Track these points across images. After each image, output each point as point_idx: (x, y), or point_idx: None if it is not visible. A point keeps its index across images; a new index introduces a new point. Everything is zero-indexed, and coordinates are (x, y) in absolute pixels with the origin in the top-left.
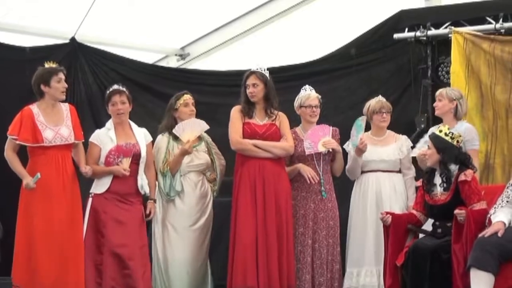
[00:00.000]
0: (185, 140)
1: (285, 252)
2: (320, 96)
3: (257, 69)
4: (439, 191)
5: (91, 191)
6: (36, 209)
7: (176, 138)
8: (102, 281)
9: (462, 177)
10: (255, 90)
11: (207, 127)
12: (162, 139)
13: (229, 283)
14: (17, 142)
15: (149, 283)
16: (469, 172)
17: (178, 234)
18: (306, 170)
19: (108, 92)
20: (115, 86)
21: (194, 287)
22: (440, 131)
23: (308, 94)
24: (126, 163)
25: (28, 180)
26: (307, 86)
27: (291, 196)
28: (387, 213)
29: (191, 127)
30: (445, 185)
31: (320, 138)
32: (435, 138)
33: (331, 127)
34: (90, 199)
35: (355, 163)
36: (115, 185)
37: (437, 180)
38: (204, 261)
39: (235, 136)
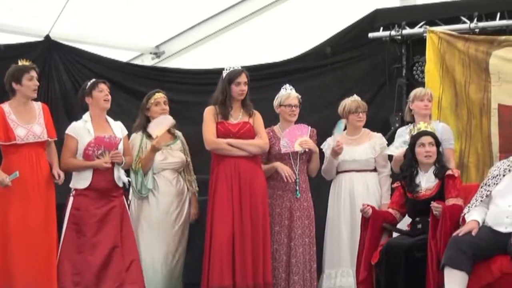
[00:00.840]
0: (155, 137)
1: (261, 250)
2: (300, 96)
3: (234, 67)
4: (423, 187)
5: (71, 187)
6: (11, 207)
7: (149, 136)
8: (82, 279)
9: (449, 172)
10: (245, 88)
11: (173, 121)
12: (136, 137)
13: (205, 282)
14: None
15: (136, 275)
16: (456, 170)
17: (153, 233)
18: (283, 169)
19: (91, 81)
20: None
21: (167, 286)
22: (426, 127)
23: (288, 94)
24: (107, 156)
25: (3, 177)
26: (287, 85)
27: (267, 194)
28: (368, 205)
29: (159, 124)
30: (436, 179)
31: (297, 138)
32: (434, 135)
33: (309, 128)
34: (71, 197)
35: (330, 164)
36: (97, 180)
37: (420, 178)
38: (178, 262)
39: (209, 136)
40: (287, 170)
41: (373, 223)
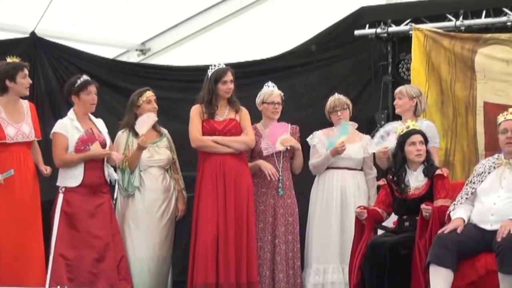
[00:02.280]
0: (140, 135)
1: (245, 248)
2: (282, 94)
3: (219, 66)
4: (412, 187)
5: (60, 185)
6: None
7: (136, 134)
8: (77, 275)
9: (439, 171)
10: (232, 86)
11: (155, 118)
12: (122, 135)
13: (190, 279)
14: None
15: (126, 270)
16: (445, 169)
17: (140, 229)
18: (267, 167)
19: (81, 81)
20: (86, 77)
21: (154, 282)
22: (414, 125)
23: (271, 91)
24: (96, 146)
25: None
26: (270, 82)
27: (253, 191)
28: (364, 207)
29: (143, 122)
30: (425, 178)
31: (278, 137)
32: (423, 133)
33: (289, 125)
34: (61, 195)
35: (326, 161)
36: (88, 177)
37: (408, 177)
38: (166, 257)
39: (195, 133)
40: (270, 168)
41: (369, 225)
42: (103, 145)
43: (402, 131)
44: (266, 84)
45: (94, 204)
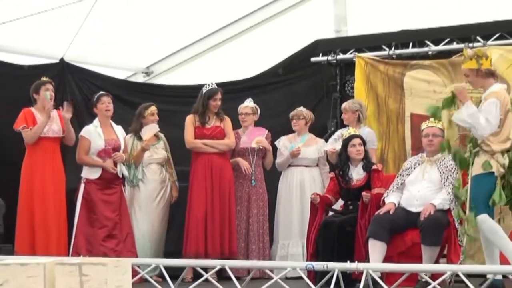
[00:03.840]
0: (144, 140)
1: (228, 226)
2: (254, 106)
3: (212, 84)
4: (355, 179)
5: (83, 176)
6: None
7: (140, 138)
8: (93, 248)
9: (375, 167)
10: (220, 103)
11: (158, 129)
12: (129, 139)
13: (185, 249)
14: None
15: (131, 245)
16: (380, 165)
17: (142, 212)
18: (243, 163)
19: (97, 95)
20: (101, 92)
21: (153, 253)
22: (354, 131)
23: (244, 105)
24: (109, 163)
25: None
26: (249, 98)
27: (233, 182)
28: (317, 194)
29: (148, 130)
30: (364, 172)
31: (255, 137)
32: (362, 137)
33: (266, 131)
34: (82, 184)
35: (287, 161)
36: (104, 173)
37: (351, 172)
38: (162, 233)
39: (188, 137)
40: (246, 164)
41: (321, 208)
42: (118, 149)
43: (345, 136)
44: (247, 99)
45: (107, 194)
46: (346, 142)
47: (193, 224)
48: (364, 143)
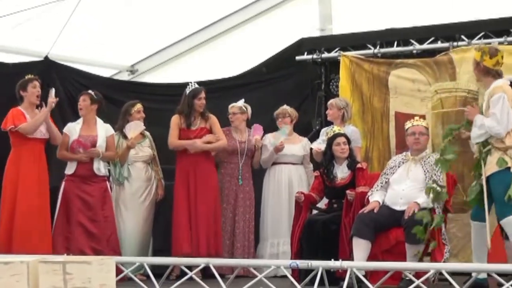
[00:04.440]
0: (130, 138)
1: (213, 227)
2: (243, 106)
3: (194, 84)
4: (339, 177)
5: (65, 172)
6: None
7: (125, 136)
8: (70, 245)
9: (359, 165)
10: (204, 102)
11: (143, 127)
12: (115, 138)
13: (173, 250)
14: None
15: (114, 244)
16: (364, 163)
17: (128, 210)
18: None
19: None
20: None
21: (139, 251)
22: (339, 130)
23: (232, 104)
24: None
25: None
26: (242, 100)
27: (217, 183)
28: (301, 193)
29: (133, 128)
30: (349, 170)
31: (256, 135)
32: (346, 136)
33: (263, 131)
34: (63, 183)
35: (271, 157)
36: (79, 168)
37: (336, 170)
38: (148, 231)
39: (171, 139)
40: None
41: (305, 207)
42: (94, 145)
43: (329, 134)
44: (240, 100)
45: (84, 190)
46: (330, 140)
47: (178, 226)
48: (348, 141)
